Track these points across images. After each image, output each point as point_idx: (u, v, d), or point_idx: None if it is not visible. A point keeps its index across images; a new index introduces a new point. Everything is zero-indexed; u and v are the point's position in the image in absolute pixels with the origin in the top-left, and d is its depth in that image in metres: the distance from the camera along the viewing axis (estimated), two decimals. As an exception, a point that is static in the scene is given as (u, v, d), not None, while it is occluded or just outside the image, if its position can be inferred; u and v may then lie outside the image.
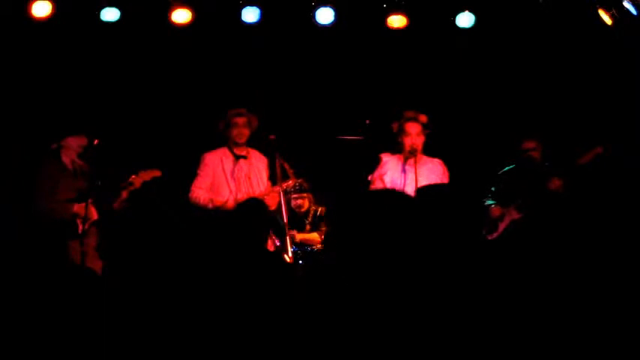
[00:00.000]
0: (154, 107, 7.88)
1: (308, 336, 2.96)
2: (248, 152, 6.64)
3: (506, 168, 6.89)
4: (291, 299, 4.05)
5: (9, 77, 7.51)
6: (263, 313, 3.89)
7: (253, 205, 4.94)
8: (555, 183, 6.55)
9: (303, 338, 3.09)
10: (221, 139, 6.65)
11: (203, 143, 6.80)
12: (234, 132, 6.55)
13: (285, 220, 6.42)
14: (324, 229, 7.06)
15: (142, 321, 3.93)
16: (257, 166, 6.65)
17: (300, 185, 7.13)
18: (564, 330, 3.16)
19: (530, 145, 6.74)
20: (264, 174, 6.68)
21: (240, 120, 6.56)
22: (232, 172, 6.55)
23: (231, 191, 6.49)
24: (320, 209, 7.23)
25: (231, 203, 6.32)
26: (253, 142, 6.70)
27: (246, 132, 6.57)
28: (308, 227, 7.16)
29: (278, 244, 6.46)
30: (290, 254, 6.34)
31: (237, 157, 6.58)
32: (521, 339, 2.85)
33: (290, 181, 6.63)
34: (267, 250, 5.66)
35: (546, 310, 3.19)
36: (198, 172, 6.57)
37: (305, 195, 7.21)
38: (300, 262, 6.66)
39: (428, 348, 2.67)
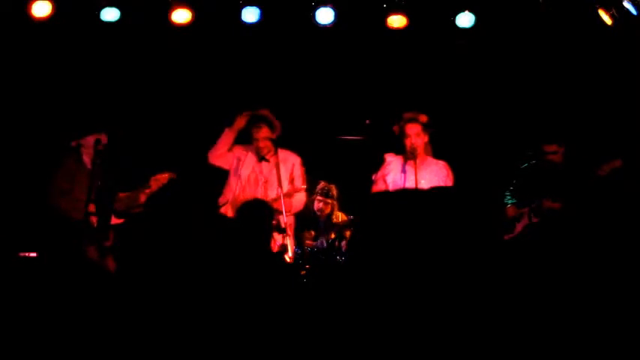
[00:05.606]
0: (153, 107, 7.88)
1: (309, 336, 2.96)
2: (274, 155, 6.53)
3: (527, 163, 6.75)
4: (294, 299, 4.05)
5: (8, 77, 7.50)
6: (266, 313, 3.90)
7: (256, 206, 4.94)
8: (609, 165, 6.23)
9: (304, 338, 3.10)
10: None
11: (202, 143, 6.80)
12: (258, 145, 6.54)
13: (286, 220, 6.41)
14: (332, 235, 7.02)
15: (145, 322, 3.92)
16: (280, 168, 6.47)
17: (329, 190, 7.12)
18: (578, 333, 3.16)
19: (551, 148, 6.55)
20: (285, 177, 6.52)
21: (260, 134, 6.52)
22: (250, 172, 6.54)
23: (238, 191, 6.49)
24: (341, 216, 7.21)
25: (230, 203, 6.32)
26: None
27: (268, 143, 6.52)
28: (333, 235, 7.08)
29: (280, 244, 6.45)
30: (291, 255, 6.33)
31: (260, 159, 6.58)
32: (531, 340, 2.85)
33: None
34: (270, 251, 5.65)
35: (557, 312, 3.19)
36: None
37: (329, 201, 7.19)
38: (300, 261, 6.65)
39: (436, 349, 2.68)
